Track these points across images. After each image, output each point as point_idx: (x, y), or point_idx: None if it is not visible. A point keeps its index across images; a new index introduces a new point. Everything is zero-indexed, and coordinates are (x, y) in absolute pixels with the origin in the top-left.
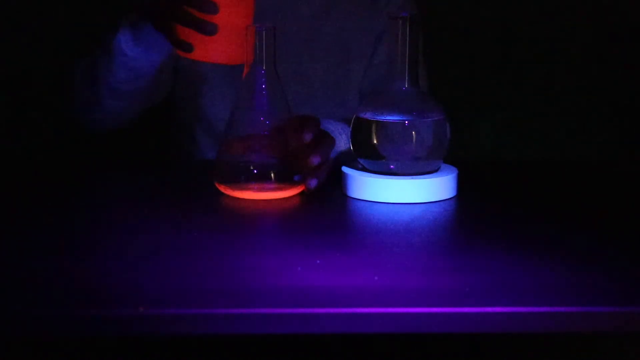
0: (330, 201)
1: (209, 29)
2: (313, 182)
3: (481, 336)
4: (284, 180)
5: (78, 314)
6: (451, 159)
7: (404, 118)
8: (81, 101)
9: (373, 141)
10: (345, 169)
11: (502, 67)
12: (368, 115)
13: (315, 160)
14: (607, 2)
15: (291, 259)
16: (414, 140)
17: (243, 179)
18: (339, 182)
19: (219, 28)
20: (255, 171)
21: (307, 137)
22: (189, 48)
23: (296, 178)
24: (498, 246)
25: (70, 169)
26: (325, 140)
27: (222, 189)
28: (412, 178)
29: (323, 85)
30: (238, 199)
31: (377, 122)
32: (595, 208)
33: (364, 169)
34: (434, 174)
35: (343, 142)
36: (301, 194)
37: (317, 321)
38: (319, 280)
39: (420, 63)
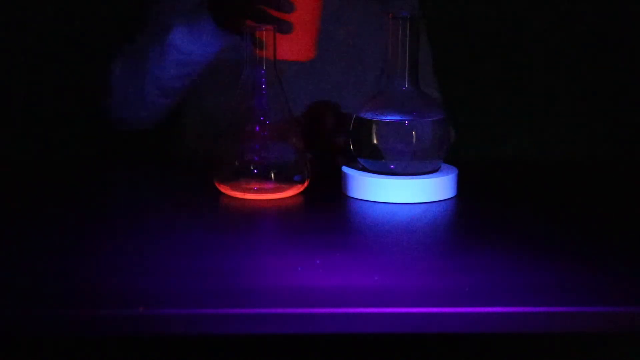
0: (330, 201)
1: (285, 28)
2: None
3: (481, 336)
4: (284, 180)
5: (78, 314)
6: (451, 159)
7: (404, 118)
8: (124, 99)
9: (373, 141)
10: (345, 169)
11: (502, 67)
12: (368, 115)
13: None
14: (607, 2)
15: (291, 259)
16: (414, 140)
17: (243, 179)
18: (339, 182)
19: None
20: (255, 171)
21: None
22: (262, 46)
23: (296, 178)
24: (498, 246)
25: (70, 168)
26: None
27: (222, 189)
28: (412, 178)
29: (336, 87)
30: (238, 199)
31: (377, 122)
32: (595, 208)
33: (364, 169)
34: (434, 174)
35: None
36: (301, 193)
37: (317, 321)
38: (319, 280)
39: (429, 73)
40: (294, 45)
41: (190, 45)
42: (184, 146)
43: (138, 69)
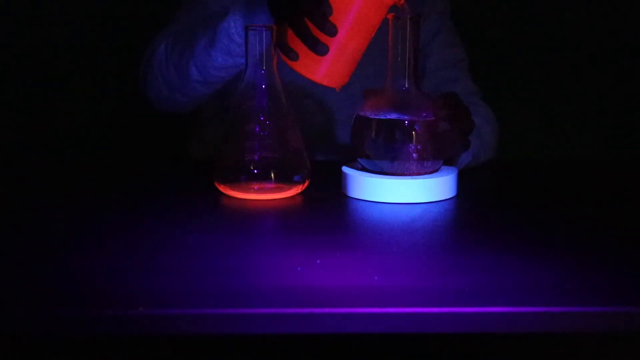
0: (330, 201)
1: (319, 49)
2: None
3: (481, 336)
4: (284, 180)
5: (78, 314)
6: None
7: (404, 118)
8: (165, 85)
9: (373, 141)
10: (345, 169)
11: (501, 67)
12: (368, 115)
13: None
14: (607, 3)
15: (291, 259)
16: (414, 140)
17: (243, 179)
18: (339, 182)
19: (330, 50)
20: (255, 171)
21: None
22: (294, 57)
23: (296, 178)
24: (498, 246)
25: (70, 168)
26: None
27: (222, 189)
28: (412, 178)
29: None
30: (238, 199)
31: (377, 121)
32: (595, 207)
33: (364, 169)
34: (434, 174)
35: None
36: (301, 193)
37: (317, 321)
38: (319, 280)
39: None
40: (322, 68)
41: (243, 35)
42: (207, 139)
43: (186, 50)
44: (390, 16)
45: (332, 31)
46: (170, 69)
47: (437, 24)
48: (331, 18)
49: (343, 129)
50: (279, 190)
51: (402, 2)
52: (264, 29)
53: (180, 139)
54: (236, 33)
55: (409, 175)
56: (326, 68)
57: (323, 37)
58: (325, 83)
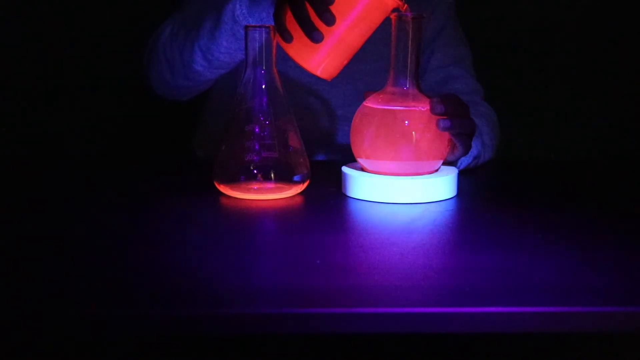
0: (330, 201)
1: (314, 36)
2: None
3: (481, 336)
4: (284, 180)
5: (79, 314)
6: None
7: (405, 118)
8: (168, 69)
9: (373, 141)
10: (345, 168)
11: (501, 67)
12: (368, 114)
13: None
14: (607, 3)
15: (291, 259)
16: (414, 140)
17: (243, 179)
18: (339, 182)
19: (325, 38)
20: (255, 171)
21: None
22: (288, 38)
23: (296, 178)
24: (498, 246)
25: (70, 168)
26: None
27: (222, 188)
28: (412, 178)
29: (369, 86)
30: (238, 199)
31: (378, 122)
32: (595, 208)
33: (364, 169)
34: (434, 174)
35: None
36: (301, 193)
37: (317, 321)
38: (319, 280)
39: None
40: (315, 55)
41: (248, 18)
42: (213, 136)
43: (191, 33)
44: (393, 16)
45: (330, 20)
46: (175, 52)
47: (442, 20)
48: (333, 9)
49: (349, 127)
50: (279, 190)
51: (405, 6)
52: (263, 28)
53: (184, 137)
54: (241, 15)
55: (409, 175)
56: (320, 58)
57: (321, 27)
58: (317, 73)
